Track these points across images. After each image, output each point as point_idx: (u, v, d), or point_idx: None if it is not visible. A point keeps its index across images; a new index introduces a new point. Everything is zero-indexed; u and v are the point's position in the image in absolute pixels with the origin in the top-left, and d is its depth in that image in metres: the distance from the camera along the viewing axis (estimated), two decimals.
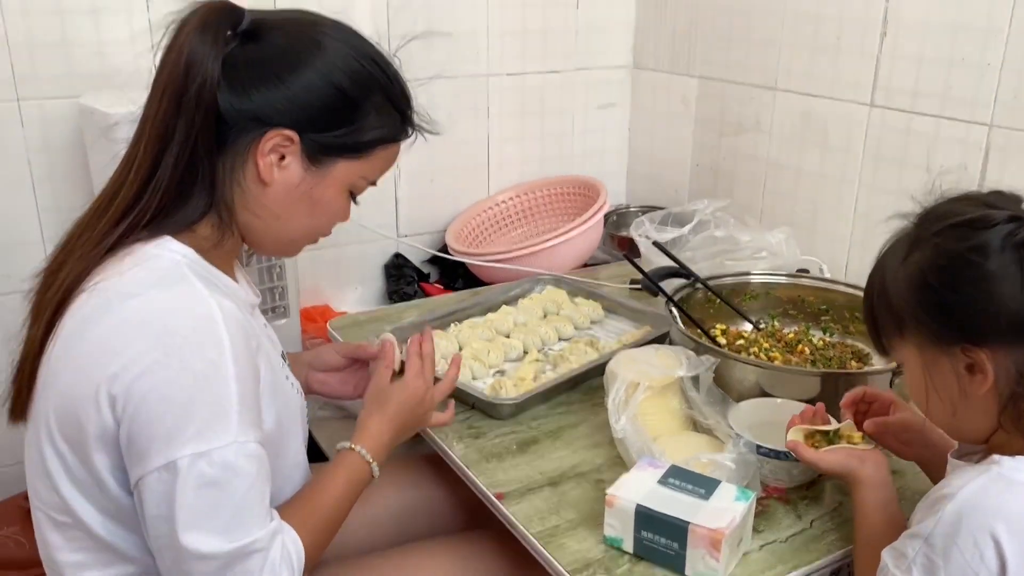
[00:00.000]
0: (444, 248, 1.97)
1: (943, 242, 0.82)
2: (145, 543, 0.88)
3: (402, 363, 1.14)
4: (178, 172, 0.88)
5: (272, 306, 1.60)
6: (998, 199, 0.84)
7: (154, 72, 0.90)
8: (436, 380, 1.15)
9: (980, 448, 0.87)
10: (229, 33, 0.88)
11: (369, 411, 1.09)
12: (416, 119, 1.01)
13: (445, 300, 1.71)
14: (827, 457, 1.00)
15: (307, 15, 0.96)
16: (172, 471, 0.80)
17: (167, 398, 0.81)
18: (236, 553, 0.83)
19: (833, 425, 1.06)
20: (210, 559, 0.82)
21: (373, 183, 1.01)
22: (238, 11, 0.90)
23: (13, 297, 1.60)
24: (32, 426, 0.92)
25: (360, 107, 0.93)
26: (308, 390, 1.23)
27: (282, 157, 0.91)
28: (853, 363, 1.33)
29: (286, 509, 0.94)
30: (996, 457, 0.80)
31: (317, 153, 0.93)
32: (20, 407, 0.95)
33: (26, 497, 1.53)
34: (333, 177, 0.95)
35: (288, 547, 0.89)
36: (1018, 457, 0.79)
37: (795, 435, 1.05)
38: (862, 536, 0.95)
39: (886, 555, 0.83)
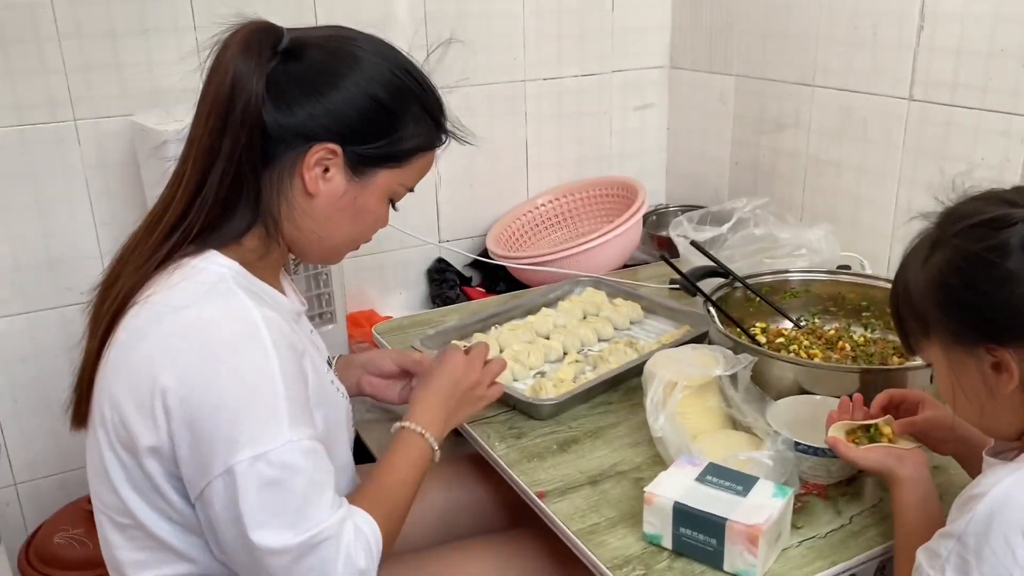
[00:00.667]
0: (485, 252, 2.00)
1: (962, 242, 0.82)
2: (203, 543, 0.92)
3: None
4: (224, 188, 0.92)
5: (319, 312, 1.64)
6: (1020, 196, 0.84)
7: (199, 91, 0.94)
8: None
9: (1015, 445, 0.87)
10: (270, 52, 0.92)
11: (416, 392, 1.14)
12: (449, 126, 1.04)
13: (486, 303, 1.74)
14: (866, 455, 1.00)
15: (342, 30, 0.99)
16: (232, 476, 0.84)
17: (220, 407, 0.85)
18: (306, 544, 0.86)
19: (872, 420, 1.06)
20: (282, 553, 0.86)
21: (411, 190, 1.04)
22: (278, 30, 0.94)
23: (74, 309, 1.68)
24: (92, 432, 0.96)
25: (399, 118, 0.97)
26: (358, 391, 1.27)
27: (326, 170, 0.95)
28: (895, 359, 1.32)
29: (353, 496, 0.98)
30: None
31: (359, 164, 0.96)
32: (81, 414, 1.00)
33: (89, 500, 1.61)
34: (375, 186, 0.98)
35: (362, 527, 0.92)
36: None
37: (836, 431, 1.05)
38: (901, 535, 0.95)
39: (920, 555, 0.83)
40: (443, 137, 1.03)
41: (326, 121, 0.93)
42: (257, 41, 0.91)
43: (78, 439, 1.73)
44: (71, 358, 1.68)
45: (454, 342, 1.47)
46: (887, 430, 1.04)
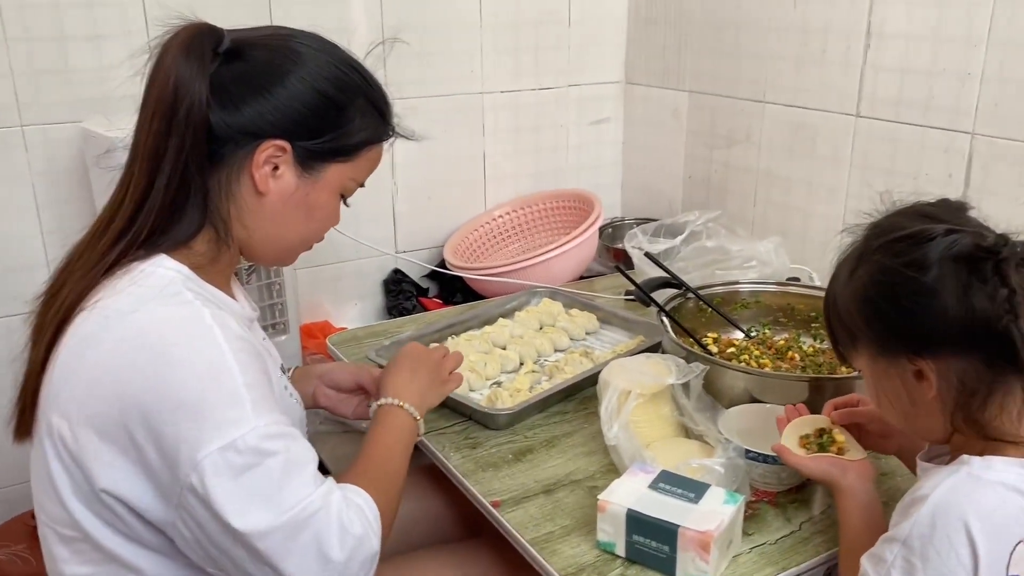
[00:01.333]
0: (442, 263, 2.00)
1: (884, 257, 0.85)
2: (151, 553, 0.90)
3: None
4: (171, 191, 0.91)
5: (272, 323, 1.63)
6: (942, 210, 0.87)
7: (141, 96, 0.93)
8: None
9: (947, 449, 0.90)
10: (212, 53, 0.91)
11: (385, 374, 1.14)
12: (395, 120, 1.04)
13: (443, 314, 1.74)
14: (811, 464, 1.02)
15: (281, 29, 0.99)
16: (201, 470, 0.82)
17: (179, 406, 0.83)
18: (294, 521, 0.84)
19: (824, 425, 1.09)
20: (271, 534, 0.83)
21: (362, 185, 1.04)
22: (218, 31, 0.93)
23: (19, 319, 1.63)
24: (37, 443, 0.93)
25: (345, 111, 0.96)
26: (313, 403, 1.25)
27: (276, 168, 0.94)
28: (843, 368, 1.35)
29: (341, 476, 0.96)
30: (965, 457, 0.83)
31: (309, 160, 0.96)
32: (25, 426, 0.96)
33: (32, 515, 1.57)
34: (326, 181, 0.98)
35: (353, 499, 0.91)
36: (987, 457, 0.82)
37: (789, 436, 1.07)
38: (845, 543, 0.97)
39: (865, 561, 0.85)
40: (390, 131, 1.04)
41: (273, 118, 0.92)
42: (198, 43, 0.91)
43: (18, 454, 1.68)
44: (14, 370, 1.65)
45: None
46: (839, 438, 1.06)
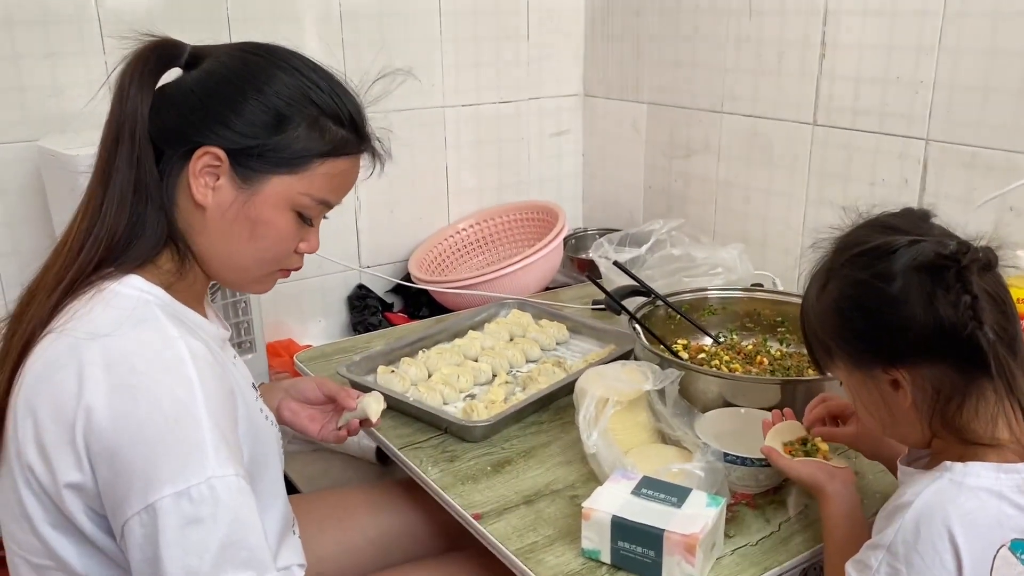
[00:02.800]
0: (407, 277, 1.99)
1: (850, 271, 0.87)
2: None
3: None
4: (126, 201, 0.89)
5: (238, 341, 1.60)
6: (905, 221, 0.89)
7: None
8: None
9: (927, 452, 0.92)
10: (164, 64, 0.91)
11: None
12: (370, 137, 0.99)
13: (412, 328, 1.73)
14: (798, 467, 1.04)
15: (248, 43, 0.96)
16: (152, 514, 0.80)
17: (138, 441, 0.81)
18: None
19: (807, 435, 1.11)
20: None
21: (327, 205, 0.98)
22: (179, 45, 0.93)
23: None
24: (6, 470, 0.90)
25: (285, 118, 0.92)
26: (279, 418, 1.22)
27: (217, 178, 0.92)
28: (810, 371, 1.38)
29: None
30: (947, 464, 0.84)
31: (246, 170, 0.92)
32: None
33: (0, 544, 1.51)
34: (266, 194, 0.93)
35: None
36: (968, 463, 0.84)
37: (772, 443, 1.09)
38: (829, 549, 0.98)
39: (850, 568, 0.86)
40: (352, 146, 0.97)
41: (206, 125, 0.90)
42: (153, 56, 0.90)
43: None
44: None
45: (381, 367, 1.46)
46: (823, 446, 1.08)
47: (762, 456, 1.09)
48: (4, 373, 0.90)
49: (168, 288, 0.92)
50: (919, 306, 0.82)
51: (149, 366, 0.83)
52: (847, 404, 1.12)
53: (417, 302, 2.00)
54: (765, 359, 1.41)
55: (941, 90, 1.45)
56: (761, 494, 1.14)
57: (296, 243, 0.98)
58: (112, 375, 0.82)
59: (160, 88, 0.91)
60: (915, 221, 0.90)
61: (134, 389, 0.82)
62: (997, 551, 0.80)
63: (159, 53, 0.91)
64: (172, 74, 0.95)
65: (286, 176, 0.93)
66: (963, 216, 1.41)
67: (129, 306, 0.87)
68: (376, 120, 1.02)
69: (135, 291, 0.89)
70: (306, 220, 0.97)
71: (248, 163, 0.92)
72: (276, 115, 0.92)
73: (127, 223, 0.90)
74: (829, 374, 0.98)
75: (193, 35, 0.97)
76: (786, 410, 1.15)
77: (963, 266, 0.81)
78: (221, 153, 0.90)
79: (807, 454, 1.07)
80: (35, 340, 0.88)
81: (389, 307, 2.03)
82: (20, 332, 0.90)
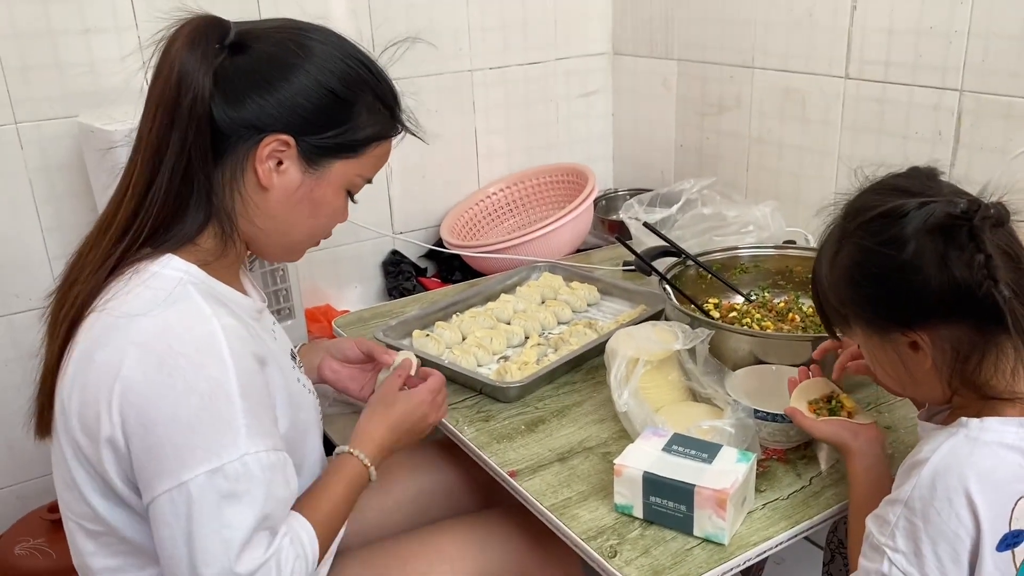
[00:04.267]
0: (439, 242, 2.01)
1: (862, 238, 0.87)
2: None
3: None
4: (174, 185, 0.90)
5: (277, 308, 1.64)
6: (913, 181, 0.89)
7: (146, 89, 0.92)
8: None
9: (946, 408, 0.93)
10: (217, 46, 0.91)
11: (371, 414, 1.12)
12: (404, 115, 1.03)
13: (445, 292, 1.76)
14: (822, 427, 1.05)
15: (291, 22, 0.98)
16: (185, 491, 0.83)
17: (174, 419, 0.84)
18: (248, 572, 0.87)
19: (829, 387, 1.11)
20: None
21: (369, 181, 1.03)
22: (224, 24, 0.93)
23: (23, 316, 1.65)
24: (57, 441, 0.94)
25: (352, 107, 0.95)
26: (318, 376, 1.26)
27: (280, 162, 0.94)
28: None
29: (297, 503, 0.98)
30: (963, 420, 0.85)
31: (313, 155, 0.95)
32: (44, 423, 0.97)
33: (50, 509, 1.59)
34: (331, 177, 0.97)
35: (299, 533, 0.93)
36: (984, 418, 0.84)
37: (797, 401, 1.10)
38: (854, 504, 1.00)
39: (870, 522, 0.88)
40: (398, 127, 1.02)
41: (277, 112, 0.91)
42: (203, 35, 0.90)
43: (33, 449, 1.70)
44: (23, 367, 1.67)
45: (416, 331, 1.49)
46: (848, 403, 1.09)
47: None
48: (54, 347, 0.94)
49: (204, 266, 0.94)
50: (933, 268, 0.82)
51: (184, 345, 0.86)
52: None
53: (450, 266, 2.02)
54: (797, 316, 1.41)
55: (976, 39, 1.42)
56: (792, 449, 1.15)
57: (343, 218, 1.03)
58: (148, 354, 0.85)
59: (216, 68, 0.90)
60: (923, 181, 0.89)
61: (169, 367, 0.84)
62: (1016, 503, 0.81)
63: (209, 31, 0.91)
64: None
65: (348, 160, 0.97)
66: (999, 167, 1.39)
67: (166, 286, 0.89)
68: (404, 88, 1.05)
69: (172, 271, 0.91)
70: (351, 196, 1.02)
71: (317, 150, 0.95)
72: (342, 103, 0.95)
73: (173, 206, 0.91)
74: (840, 340, 0.98)
75: (223, 8, 0.98)
76: (812, 367, 1.16)
77: (974, 224, 0.81)
78: (290, 139, 0.93)
79: (832, 411, 1.08)
80: (81, 318, 0.91)
81: (423, 272, 2.06)
82: (67, 307, 0.93)
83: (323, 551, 0.98)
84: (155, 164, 0.90)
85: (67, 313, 0.93)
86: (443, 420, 1.26)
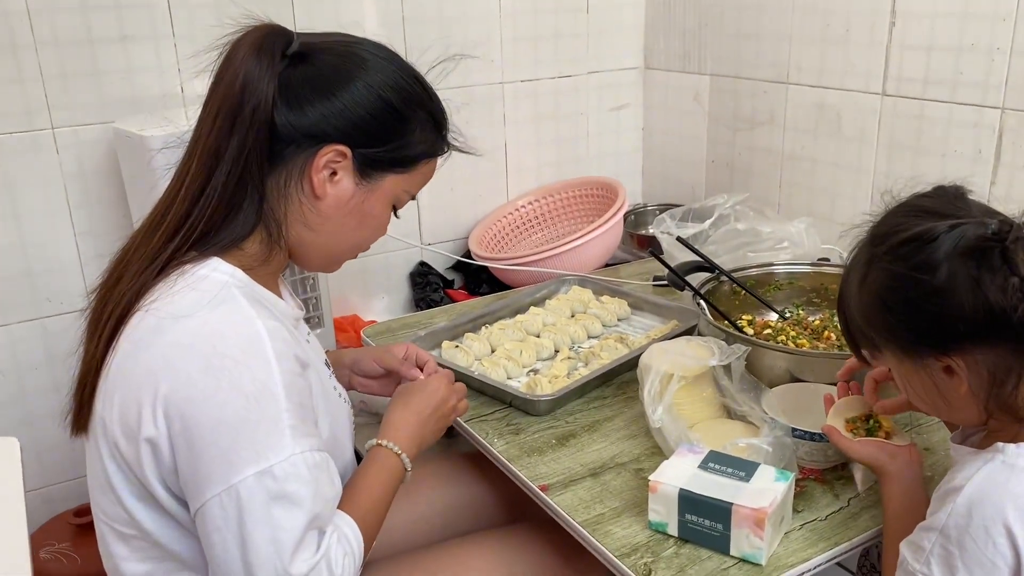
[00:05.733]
0: (467, 254, 2.01)
1: (891, 264, 0.84)
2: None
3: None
4: (229, 188, 0.91)
5: (306, 317, 1.63)
6: (940, 202, 0.86)
7: (207, 92, 0.93)
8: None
9: (981, 430, 0.90)
10: (281, 55, 0.92)
11: (393, 408, 1.13)
12: (451, 136, 1.04)
13: (473, 304, 1.75)
14: (858, 448, 1.03)
15: (347, 36, 0.99)
16: (234, 494, 0.83)
17: (221, 421, 0.84)
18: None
19: (867, 406, 1.09)
20: None
21: (413, 197, 1.04)
22: (288, 33, 0.94)
23: (55, 320, 1.66)
24: (93, 441, 0.94)
25: (408, 122, 0.97)
26: (348, 387, 1.27)
27: (334, 173, 0.95)
28: None
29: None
30: (999, 445, 0.83)
31: (367, 167, 0.96)
32: (82, 421, 0.97)
33: (76, 513, 1.59)
34: (382, 191, 0.98)
35: (344, 530, 0.93)
36: (1021, 444, 0.82)
37: (834, 420, 1.08)
38: (888, 528, 0.97)
39: (904, 549, 0.86)
40: (445, 146, 1.04)
41: (338, 122, 0.92)
42: (269, 43, 0.91)
43: (60, 453, 1.70)
44: (52, 371, 1.67)
45: (445, 342, 1.48)
46: (887, 423, 1.07)
47: None
48: (97, 346, 0.94)
49: (248, 271, 0.94)
50: (967, 292, 0.79)
51: (229, 347, 0.86)
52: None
53: (477, 279, 2.02)
54: (832, 334, 1.39)
55: (1019, 57, 1.40)
56: (830, 469, 1.13)
57: (384, 232, 1.04)
58: (194, 357, 0.85)
59: (279, 75, 0.91)
60: (950, 201, 0.87)
61: (215, 370, 0.84)
62: None
63: (274, 39, 0.92)
64: None
65: (399, 175, 0.99)
66: None
67: (212, 289, 0.90)
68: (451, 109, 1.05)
69: (219, 274, 0.91)
70: (395, 211, 1.03)
71: (372, 162, 0.96)
72: (399, 118, 0.96)
73: (226, 210, 0.92)
74: (869, 365, 0.96)
75: (262, 9, 0.98)
76: (852, 383, 1.13)
77: (1007, 246, 0.79)
78: (347, 151, 0.94)
79: (869, 431, 1.06)
80: (126, 317, 0.91)
81: (450, 284, 2.05)
82: (112, 305, 0.93)
83: (367, 546, 0.97)
84: (211, 167, 0.91)
85: (112, 311, 0.93)
86: (473, 432, 1.26)
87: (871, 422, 1.08)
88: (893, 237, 0.85)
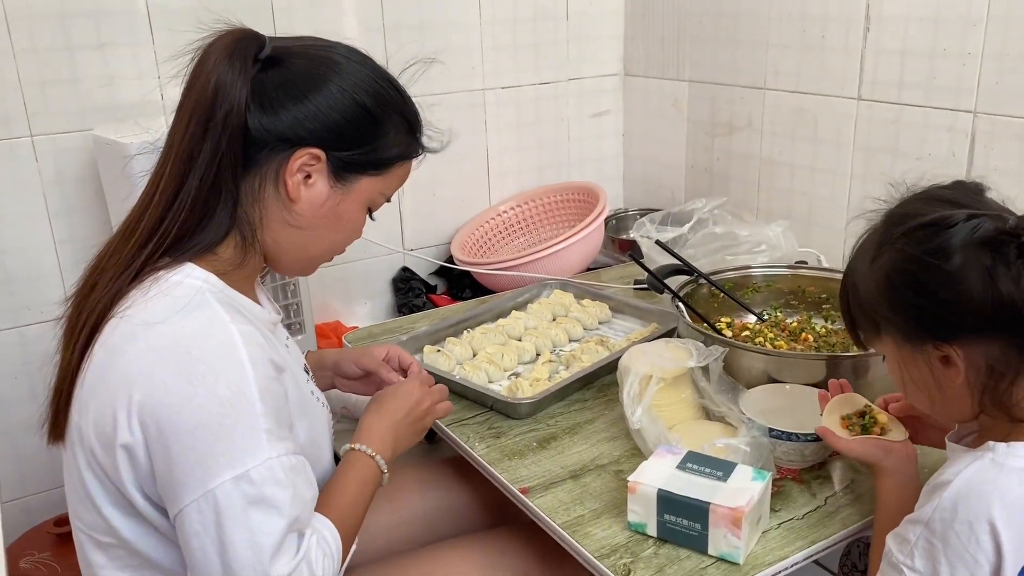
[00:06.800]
0: (450, 259, 2.01)
1: (905, 246, 0.85)
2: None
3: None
4: (202, 193, 0.91)
5: (288, 323, 1.64)
6: (959, 194, 0.88)
7: (179, 98, 0.93)
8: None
9: (974, 428, 0.91)
10: (254, 59, 0.92)
11: (367, 413, 1.14)
12: (425, 138, 1.05)
13: (455, 309, 1.75)
14: (854, 446, 1.03)
15: (320, 40, 0.99)
16: (211, 499, 0.83)
17: (196, 427, 0.83)
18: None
19: (862, 402, 1.10)
20: None
21: (388, 200, 1.04)
22: (260, 37, 0.94)
23: (34, 328, 1.65)
24: (70, 449, 0.94)
25: (382, 124, 0.97)
26: (331, 388, 1.28)
27: (308, 176, 0.95)
28: (855, 348, 1.36)
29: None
30: (990, 444, 0.84)
31: (342, 170, 0.96)
32: (59, 429, 0.97)
33: (56, 523, 1.58)
34: (356, 194, 0.98)
35: (323, 532, 0.93)
36: (1012, 443, 0.83)
37: (829, 417, 1.08)
38: (880, 522, 0.98)
39: (890, 540, 0.87)
40: (420, 148, 1.04)
41: (311, 125, 0.93)
42: (242, 47, 0.91)
43: (40, 462, 1.69)
44: (31, 380, 1.66)
45: (427, 347, 1.48)
46: (882, 418, 1.07)
47: (808, 432, 1.10)
48: (72, 353, 0.94)
49: (222, 276, 0.94)
50: (978, 282, 0.80)
51: (203, 352, 0.86)
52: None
53: (460, 284, 2.02)
54: (810, 336, 1.40)
55: (990, 61, 1.42)
56: (807, 469, 1.14)
57: (360, 235, 1.04)
58: (168, 362, 0.85)
59: (252, 79, 0.91)
60: (969, 194, 0.88)
61: (190, 375, 0.84)
62: None
63: (247, 43, 0.92)
64: None
65: (374, 177, 0.99)
66: (1014, 189, 1.38)
67: (186, 294, 0.89)
68: (417, 105, 1.06)
69: (192, 280, 0.91)
70: (370, 213, 1.04)
71: (346, 165, 0.96)
72: (373, 120, 0.96)
73: (200, 214, 0.92)
74: (871, 348, 0.97)
75: (240, 15, 0.98)
76: (843, 381, 1.14)
77: (1023, 241, 0.80)
78: (321, 154, 0.94)
79: (864, 428, 1.06)
80: (101, 324, 0.91)
81: (433, 289, 2.06)
82: (87, 313, 0.93)
83: (346, 548, 0.98)
84: (184, 173, 0.91)
85: (87, 319, 0.92)
86: (454, 436, 1.26)
87: (866, 418, 1.08)
88: (911, 220, 0.85)
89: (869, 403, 1.10)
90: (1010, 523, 0.79)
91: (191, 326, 0.87)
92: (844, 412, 1.09)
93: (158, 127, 1.44)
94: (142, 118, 1.53)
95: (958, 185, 0.90)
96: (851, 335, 0.98)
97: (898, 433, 1.05)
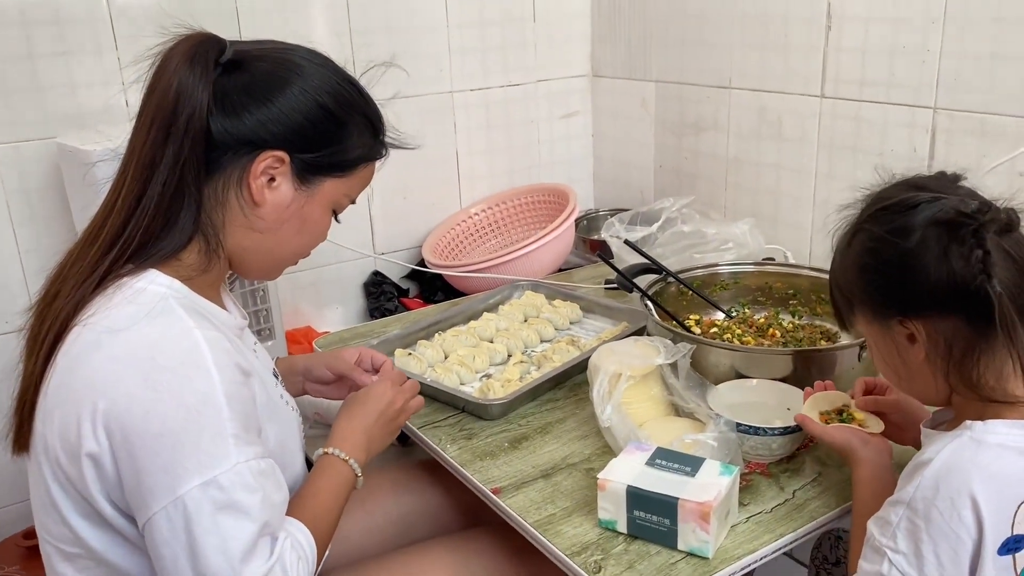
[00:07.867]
0: (421, 263, 2.01)
1: (872, 226, 0.89)
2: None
3: None
4: (165, 198, 0.90)
5: (257, 329, 1.63)
6: (934, 181, 0.91)
7: (140, 103, 0.92)
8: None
9: (950, 415, 0.93)
10: (215, 63, 0.92)
11: (339, 417, 1.13)
12: (388, 137, 1.05)
13: (427, 312, 1.75)
14: (832, 432, 1.05)
15: (281, 43, 0.99)
16: (180, 506, 0.82)
17: (162, 434, 0.83)
18: None
19: (841, 400, 1.12)
20: None
21: (353, 201, 1.04)
22: (221, 41, 0.94)
23: (0, 339, 1.62)
24: (35, 460, 0.93)
25: (345, 126, 0.97)
26: (303, 393, 1.27)
27: (272, 179, 0.94)
28: (822, 342, 1.39)
29: (290, 508, 0.96)
30: (967, 423, 0.86)
31: (306, 172, 0.96)
32: (23, 440, 0.95)
33: (24, 535, 1.56)
34: (320, 196, 0.98)
35: (297, 536, 0.92)
36: (988, 421, 0.85)
37: (809, 411, 1.10)
38: (857, 512, 1.00)
39: (871, 524, 0.88)
40: (383, 150, 1.04)
41: (275, 128, 0.92)
42: (203, 51, 0.91)
43: (7, 476, 1.67)
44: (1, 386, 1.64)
45: (398, 350, 1.48)
46: (859, 415, 1.09)
47: (775, 426, 1.11)
48: (35, 363, 0.93)
49: (187, 281, 0.94)
50: (933, 260, 0.83)
51: (168, 359, 0.85)
52: (884, 382, 1.12)
53: (432, 287, 2.02)
54: (777, 331, 1.42)
55: (948, 58, 1.45)
56: (775, 463, 1.15)
57: (325, 237, 1.04)
58: (132, 369, 0.84)
59: (213, 83, 0.91)
60: (945, 182, 0.91)
61: (155, 382, 0.84)
62: (1018, 506, 0.81)
63: (207, 48, 0.92)
64: None
65: (338, 179, 0.99)
66: (973, 183, 1.41)
67: (149, 301, 0.89)
68: (385, 107, 1.06)
69: (156, 286, 0.91)
70: (335, 215, 1.03)
71: (310, 167, 0.96)
72: (336, 122, 0.96)
73: (163, 220, 0.91)
74: (850, 329, 0.99)
75: (206, 21, 0.98)
76: (828, 383, 1.16)
77: (981, 224, 0.82)
78: (284, 156, 0.94)
79: (842, 423, 1.08)
80: (64, 333, 0.90)
81: (404, 292, 2.05)
82: (50, 321, 0.92)
83: (320, 551, 0.97)
84: (147, 178, 0.90)
85: (50, 327, 0.91)
86: (425, 439, 1.26)
87: (845, 415, 1.10)
88: (878, 203, 0.90)
89: (848, 402, 1.12)
90: (991, 498, 0.80)
91: (155, 333, 0.87)
92: (823, 408, 1.11)
93: (120, 134, 1.43)
94: (106, 125, 1.52)
95: (939, 175, 0.93)
96: (836, 318, 1.01)
97: (875, 426, 1.07)
